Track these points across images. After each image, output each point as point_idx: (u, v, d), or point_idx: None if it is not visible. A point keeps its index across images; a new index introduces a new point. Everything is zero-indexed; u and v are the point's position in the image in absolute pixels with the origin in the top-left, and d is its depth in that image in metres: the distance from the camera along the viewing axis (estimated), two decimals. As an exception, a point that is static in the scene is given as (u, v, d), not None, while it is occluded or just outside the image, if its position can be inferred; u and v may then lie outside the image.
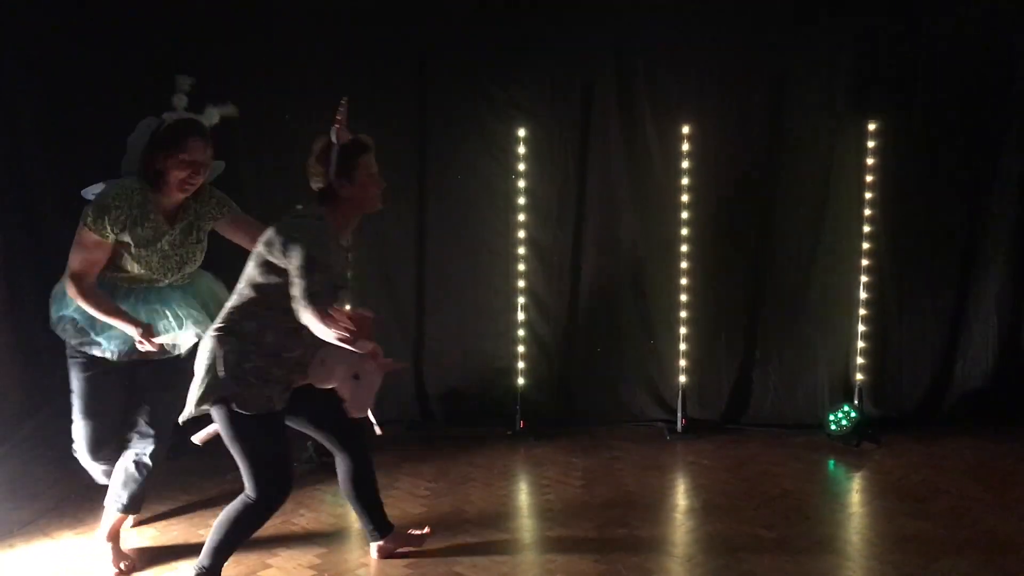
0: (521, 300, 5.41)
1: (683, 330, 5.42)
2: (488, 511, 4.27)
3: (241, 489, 3.24)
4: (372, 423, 3.49)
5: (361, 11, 5.25)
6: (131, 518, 3.90)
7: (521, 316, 5.43)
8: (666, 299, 5.47)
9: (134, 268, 3.43)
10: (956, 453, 5.02)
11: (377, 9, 5.27)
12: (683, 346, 5.42)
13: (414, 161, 5.43)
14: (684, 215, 5.34)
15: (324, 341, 3.09)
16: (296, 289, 3.03)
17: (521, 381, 5.45)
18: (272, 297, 3.13)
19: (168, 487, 4.50)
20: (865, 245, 5.31)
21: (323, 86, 5.28)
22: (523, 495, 4.57)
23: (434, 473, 4.77)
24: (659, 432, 5.45)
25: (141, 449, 3.60)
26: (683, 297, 5.39)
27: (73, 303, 3.40)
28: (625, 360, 5.58)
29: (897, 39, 5.26)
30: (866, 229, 5.31)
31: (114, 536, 3.70)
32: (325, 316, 3.00)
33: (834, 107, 5.31)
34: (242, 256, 3.29)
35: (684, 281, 5.38)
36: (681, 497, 4.61)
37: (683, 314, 5.41)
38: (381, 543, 3.74)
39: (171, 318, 3.52)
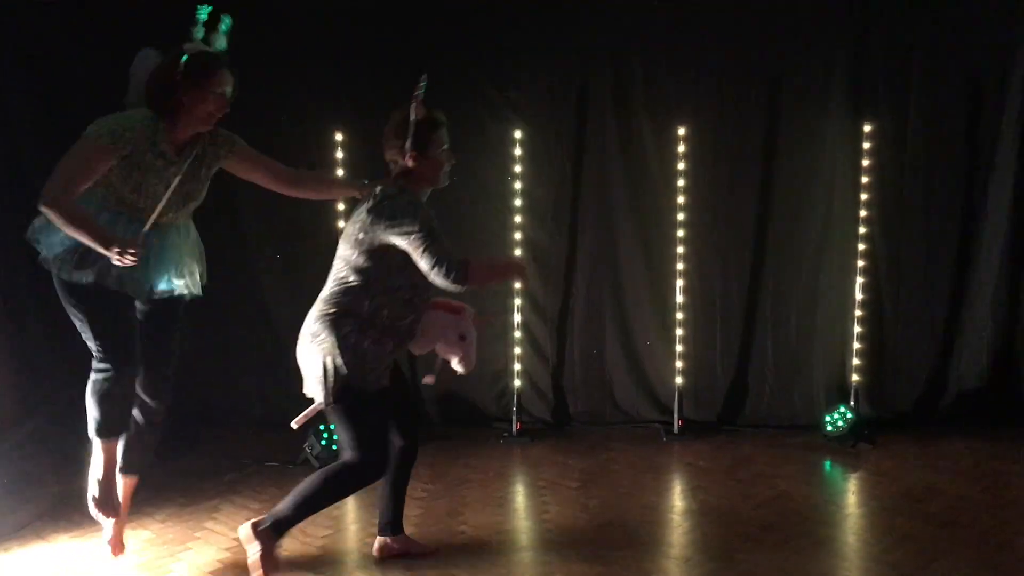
0: (517, 301, 5.41)
1: (679, 331, 5.42)
2: (484, 513, 4.27)
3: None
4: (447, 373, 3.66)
5: (358, 13, 5.25)
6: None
7: (517, 318, 5.43)
8: (662, 300, 5.47)
9: (135, 197, 3.30)
10: (952, 454, 5.03)
11: (374, 11, 5.27)
12: (679, 347, 5.43)
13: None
14: (680, 216, 5.35)
15: (426, 308, 3.40)
16: (426, 261, 3.18)
17: (517, 383, 5.45)
18: (376, 275, 3.28)
19: (165, 488, 4.49)
20: (861, 246, 5.32)
21: (320, 88, 5.31)
22: (519, 497, 4.57)
23: (430, 475, 4.77)
24: (655, 433, 5.45)
25: (140, 408, 3.57)
26: (679, 298, 5.40)
27: (60, 233, 3.22)
28: (621, 361, 5.58)
29: (892, 41, 5.27)
30: (861, 230, 5.32)
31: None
32: (471, 268, 3.20)
33: (830, 109, 5.32)
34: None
35: (680, 282, 5.39)
36: (678, 498, 4.61)
37: (679, 315, 5.41)
38: (388, 540, 3.74)
39: (174, 262, 3.47)
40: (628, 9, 5.26)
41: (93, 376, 3.48)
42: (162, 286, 3.46)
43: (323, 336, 3.29)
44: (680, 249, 5.37)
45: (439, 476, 4.76)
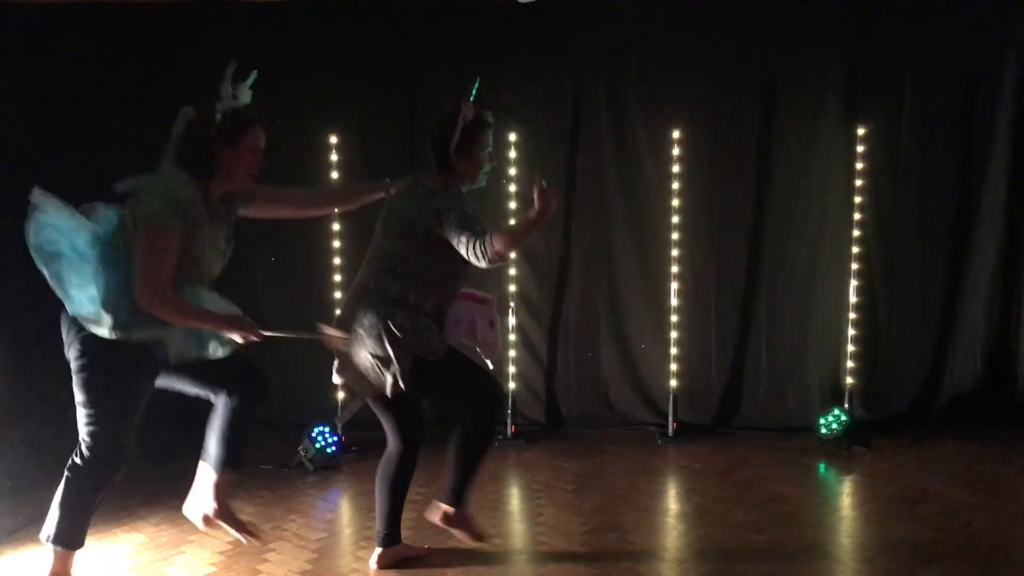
0: (512, 304, 5.41)
1: (674, 334, 5.43)
2: (479, 516, 4.25)
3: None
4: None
5: (353, 15, 5.25)
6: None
7: (512, 320, 5.42)
8: (657, 303, 5.48)
9: (190, 264, 3.20)
10: (946, 456, 5.04)
11: (369, 13, 5.27)
12: (674, 350, 5.43)
13: (405, 165, 5.42)
14: (674, 219, 5.35)
15: (456, 299, 3.50)
16: (464, 242, 3.23)
17: (512, 385, 5.44)
18: (422, 267, 3.36)
19: (159, 492, 4.48)
20: (855, 249, 5.34)
21: (315, 90, 5.31)
22: (514, 500, 4.57)
23: (424, 478, 4.74)
24: (650, 436, 5.45)
25: (226, 401, 3.40)
26: (674, 301, 5.40)
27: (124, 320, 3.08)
28: (616, 364, 5.58)
29: (886, 44, 5.29)
30: (855, 233, 5.33)
31: (226, 506, 3.45)
32: (507, 236, 3.22)
33: (824, 112, 5.33)
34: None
35: (675, 285, 5.39)
36: (672, 501, 4.61)
37: (674, 318, 5.41)
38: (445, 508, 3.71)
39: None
40: (623, 12, 5.27)
41: (76, 472, 3.26)
42: (218, 351, 3.29)
43: (378, 328, 3.33)
44: (675, 252, 5.37)
45: (433, 479, 4.73)
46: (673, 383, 5.43)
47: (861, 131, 5.25)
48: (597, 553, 3.82)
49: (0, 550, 3.89)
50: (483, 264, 3.24)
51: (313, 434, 4.90)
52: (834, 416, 5.26)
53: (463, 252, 3.27)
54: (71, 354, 3.22)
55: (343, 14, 5.25)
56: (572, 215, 5.48)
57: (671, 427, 5.41)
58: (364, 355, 3.39)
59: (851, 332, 5.38)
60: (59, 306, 3.33)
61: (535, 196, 3.17)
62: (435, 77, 5.34)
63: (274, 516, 4.22)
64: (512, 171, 5.33)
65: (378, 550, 3.72)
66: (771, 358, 5.52)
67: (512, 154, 5.30)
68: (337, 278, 5.20)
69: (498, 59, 5.33)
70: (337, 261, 5.21)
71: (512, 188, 5.34)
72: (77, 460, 3.26)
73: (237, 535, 3.46)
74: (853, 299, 5.36)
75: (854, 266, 5.34)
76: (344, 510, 4.48)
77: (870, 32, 5.28)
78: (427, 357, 3.36)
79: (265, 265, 5.43)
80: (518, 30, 5.29)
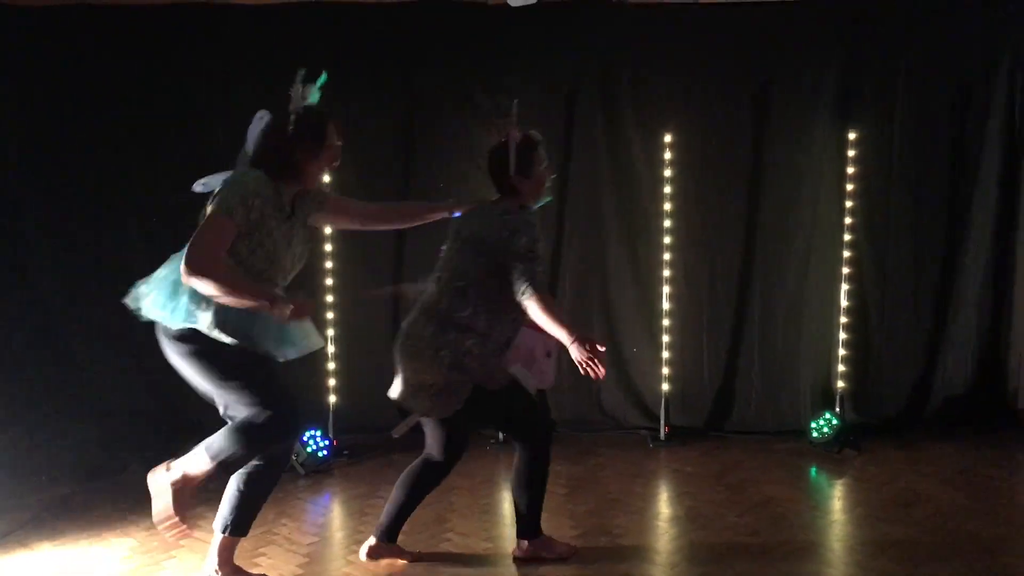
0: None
1: (666, 337, 5.43)
2: (471, 520, 4.26)
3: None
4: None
5: (348, 18, 5.25)
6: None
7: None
8: (649, 306, 5.48)
9: (265, 264, 3.22)
10: (937, 459, 5.04)
11: (362, 18, 5.27)
12: (666, 353, 5.43)
13: (400, 168, 5.43)
14: (667, 223, 5.35)
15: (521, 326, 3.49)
16: (520, 279, 3.28)
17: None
18: (494, 292, 3.38)
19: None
20: (846, 253, 5.35)
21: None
22: (506, 504, 4.55)
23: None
24: (642, 439, 5.45)
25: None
26: (666, 304, 5.40)
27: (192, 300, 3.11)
28: (609, 367, 5.55)
29: (879, 49, 5.30)
30: (847, 237, 5.34)
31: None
32: (549, 302, 3.29)
33: (816, 116, 5.34)
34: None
35: (667, 288, 5.39)
36: (664, 504, 4.61)
37: (666, 321, 5.42)
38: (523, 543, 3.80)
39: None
40: (616, 15, 5.27)
41: (250, 432, 3.25)
42: (291, 352, 3.34)
43: (446, 352, 3.36)
44: (667, 255, 5.38)
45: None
46: (665, 386, 5.43)
47: (853, 136, 5.27)
48: (589, 556, 3.81)
49: (-11, 555, 3.88)
50: (517, 298, 3.30)
51: (304, 438, 4.88)
52: (826, 419, 5.26)
53: (512, 278, 3.31)
54: (187, 363, 3.21)
55: (339, 17, 5.24)
56: (565, 218, 5.48)
57: (663, 430, 5.41)
58: (425, 375, 3.42)
59: (843, 336, 5.39)
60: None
61: (583, 361, 3.29)
62: (429, 80, 5.34)
63: (265, 520, 4.19)
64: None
65: (372, 540, 3.73)
66: (763, 361, 5.52)
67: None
68: (328, 281, 5.18)
69: (492, 62, 5.33)
70: (329, 264, 5.19)
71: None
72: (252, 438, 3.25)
73: None
74: (845, 303, 5.37)
75: (846, 270, 5.35)
76: (335, 514, 4.47)
77: (863, 37, 5.30)
78: (488, 387, 3.44)
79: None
80: (512, 34, 5.29)
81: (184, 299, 3.12)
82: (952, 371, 5.54)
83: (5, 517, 4.23)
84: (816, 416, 5.32)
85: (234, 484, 3.40)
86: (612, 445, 5.37)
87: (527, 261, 3.31)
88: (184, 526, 3.25)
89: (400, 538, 3.80)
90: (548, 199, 3.69)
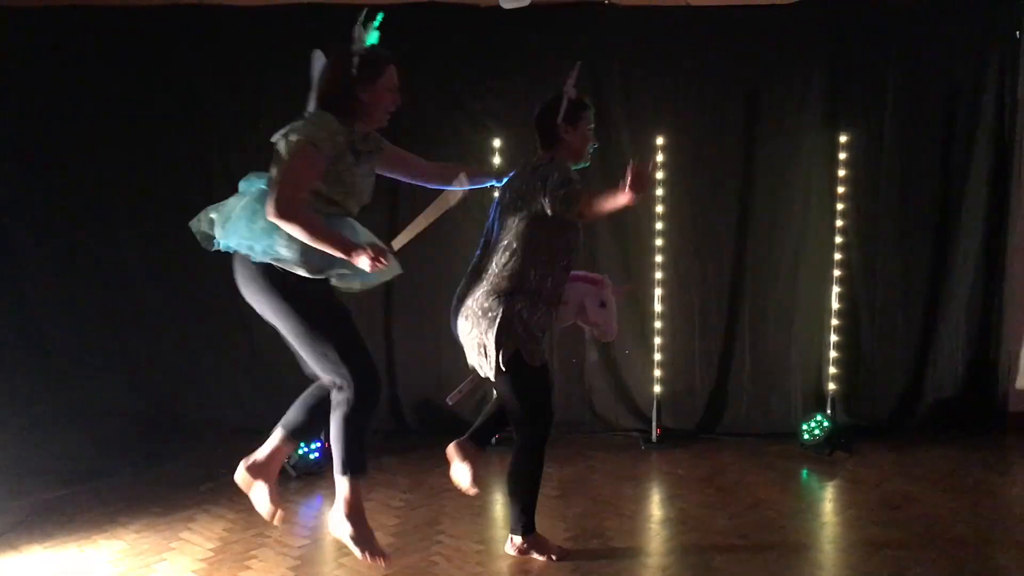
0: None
1: (657, 340, 5.43)
2: (463, 522, 4.25)
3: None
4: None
5: (336, 21, 5.22)
6: None
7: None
8: (640, 309, 5.48)
9: (344, 198, 3.29)
10: (928, 462, 5.06)
11: (351, 19, 5.25)
12: (657, 356, 5.44)
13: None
14: (658, 225, 5.36)
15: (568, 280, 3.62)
16: (560, 194, 3.40)
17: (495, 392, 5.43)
18: (539, 242, 3.49)
19: (140, 498, 4.46)
20: (837, 255, 5.36)
21: (301, 95, 5.28)
22: (498, 506, 4.55)
23: (409, 484, 4.75)
24: (634, 442, 5.45)
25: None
26: (657, 307, 5.41)
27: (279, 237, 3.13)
28: (600, 370, 5.58)
29: (869, 53, 5.32)
30: (838, 239, 5.35)
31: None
32: (599, 199, 3.41)
33: (807, 119, 5.35)
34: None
35: (658, 291, 5.40)
36: (656, 507, 4.61)
37: (657, 324, 5.42)
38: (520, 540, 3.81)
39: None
40: (607, 18, 5.28)
41: (346, 407, 3.30)
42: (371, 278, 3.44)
43: (496, 312, 3.48)
44: (658, 258, 5.39)
45: (417, 485, 4.74)
46: (657, 389, 5.43)
47: (844, 139, 5.28)
48: (581, 558, 3.81)
49: (-20, 557, 3.86)
50: (567, 212, 3.40)
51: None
52: (817, 422, 5.27)
53: (554, 202, 3.40)
54: (266, 299, 3.24)
55: (335, 19, 5.22)
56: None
57: (655, 433, 5.41)
58: (475, 335, 3.53)
59: (833, 338, 5.40)
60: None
61: (628, 174, 3.31)
62: (419, 81, 5.33)
63: (256, 523, 4.17)
64: (496, 177, 5.33)
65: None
66: (755, 364, 5.53)
67: (497, 160, 5.30)
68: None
69: (482, 64, 5.33)
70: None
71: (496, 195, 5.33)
72: (341, 395, 3.29)
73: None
74: (835, 305, 5.38)
75: (836, 272, 5.37)
76: (327, 517, 4.45)
77: (853, 40, 5.32)
78: (525, 358, 3.50)
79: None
80: (501, 36, 5.29)
81: (266, 229, 3.13)
82: (942, 374, 5.56)
83: (-2, 517, 4.21)
84: (807, 418, 5.33)
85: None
86: (603, 447, 5.38)
87: (565, 185, 3.43)
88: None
89: (389, 540, 3.80)
90: (587, 163, 3.75)
